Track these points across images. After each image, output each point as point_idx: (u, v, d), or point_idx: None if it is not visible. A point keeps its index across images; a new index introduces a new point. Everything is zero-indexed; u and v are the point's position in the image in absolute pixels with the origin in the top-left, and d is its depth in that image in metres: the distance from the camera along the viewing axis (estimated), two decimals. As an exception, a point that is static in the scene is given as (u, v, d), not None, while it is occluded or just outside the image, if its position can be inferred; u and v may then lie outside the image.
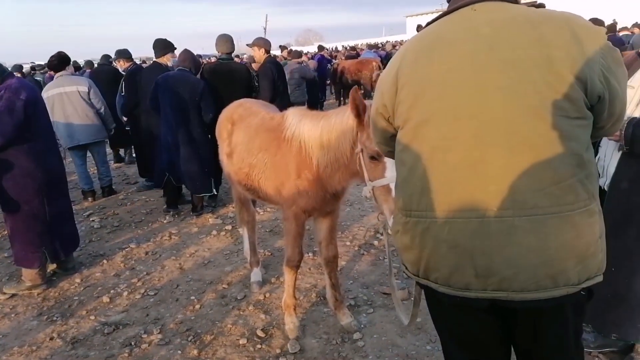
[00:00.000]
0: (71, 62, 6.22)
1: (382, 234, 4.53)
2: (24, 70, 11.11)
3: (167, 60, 5.57)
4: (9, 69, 5.03)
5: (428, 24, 1.51)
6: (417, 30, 1.87)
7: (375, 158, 2.10)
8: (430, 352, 2.81)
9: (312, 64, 10.45)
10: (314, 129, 2.51)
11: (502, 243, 1.29)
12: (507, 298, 1.33)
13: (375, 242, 4.39)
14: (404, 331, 3.02)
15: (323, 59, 11.87)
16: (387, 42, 20.32)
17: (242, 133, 3.11)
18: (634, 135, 2.12)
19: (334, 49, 23.19)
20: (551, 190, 1.26)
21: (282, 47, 11.79)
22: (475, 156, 1.30)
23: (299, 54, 8.86)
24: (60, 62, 5.62)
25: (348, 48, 20.03)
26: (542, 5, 1.40)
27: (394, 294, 2.27)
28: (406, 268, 1.57)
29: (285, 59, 9.19)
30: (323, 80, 11.40)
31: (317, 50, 12.84)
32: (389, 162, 2.04)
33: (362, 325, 3.10)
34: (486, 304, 1.38)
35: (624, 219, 2.32)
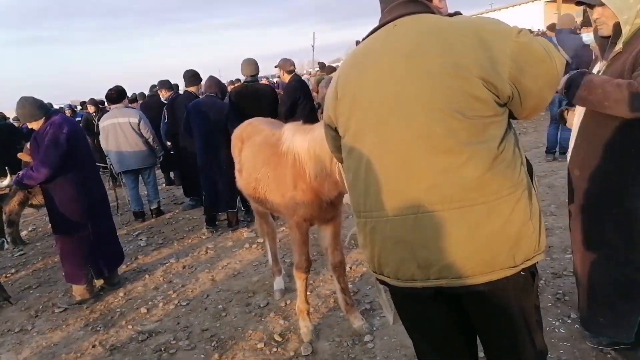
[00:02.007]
0: (126, 95, 6.86)
1: (350, 238, 4.55)
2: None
3: (196, 89, 6.04)
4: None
5: (363, 39, 1.64)
6: (356, 45, 1.99)
7: None
8: (438, 353, 2.83)
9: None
10: (303, 142, 2.67)
11: (437, 235, 1.39)
12: (447, 284, 1.42)
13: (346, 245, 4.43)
14: (414, 333, 3.05)
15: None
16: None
17: (249, 150, 3.34)
18: (567, 82, 2.13)
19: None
20: (474, 183, 1.34)
21: (320, 64, 12.09)
22: (405, 158, 1.41)
23: (332, 69, 9.07)
24: (118, 95, 6.30)
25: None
26: (458, 13, 1.49)
27: (380, 296, 2.36)
28: (369, 265, 1.68)
29: (321, 74, 9.43)
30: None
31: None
32: None
33: (374, 328, 3.17)
34: (431, 292, 1.48)
35: (580, 209, 2.33)
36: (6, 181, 3.80)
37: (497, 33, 1.34)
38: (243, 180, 3.38)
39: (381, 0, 1.58)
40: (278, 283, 3.89)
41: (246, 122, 3.68)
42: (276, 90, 6.00)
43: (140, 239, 5.82)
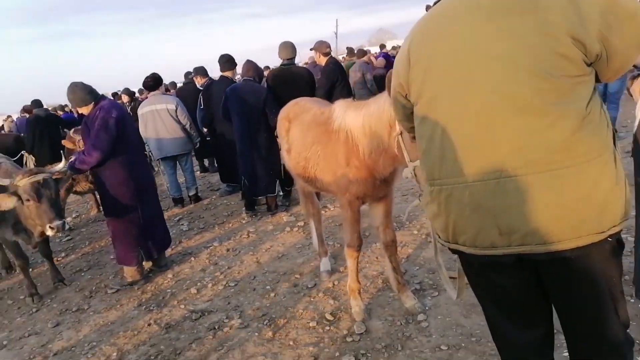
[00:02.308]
0: (163, 82, 6.95)
1: (409, 211, 4.49)
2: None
3: (231, 74, 6.06)
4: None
5: (435, 3, 1.59)
6: (426, 10, 1.93)
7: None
8: (495, 331, 2.79)
9: (381, 62, 10.44)
10: (357, 118, 2.64)
11: (520, 200, 1.34)
12: (531, 251, 1.38)
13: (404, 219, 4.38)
14: (469, 312, 3.02)
15: (388, 56, 11.81)
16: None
17: (298, 129, 3.33)
18: None
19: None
20: (561, 146, 1.30)
21: (349, 49, 11.96)
22: (486, 121, 1.36)
23: (363, 53, 8.97)
24: (154, 82, 6.40)
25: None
26: None
27: (441, 271, 2.32)
28: (439, 237, 1.65)
29: (349, 59, 9.33)
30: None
31: (379, 50, 12.75)
32: None
33: (426, 308, 3.15)
34: (513, 259, 1.44)
35: None
36: (61, 164, 3.91)
37: None
38: (292, 159, 3.38)
39: None
40: (324, 264, 3.90)
41: (292, 101, 3.67)
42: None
43: (182, 224, 5.92)
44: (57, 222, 3.56)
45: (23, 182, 3.54)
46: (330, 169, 2.97)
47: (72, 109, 13.85)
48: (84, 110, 4.02)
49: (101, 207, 7.11)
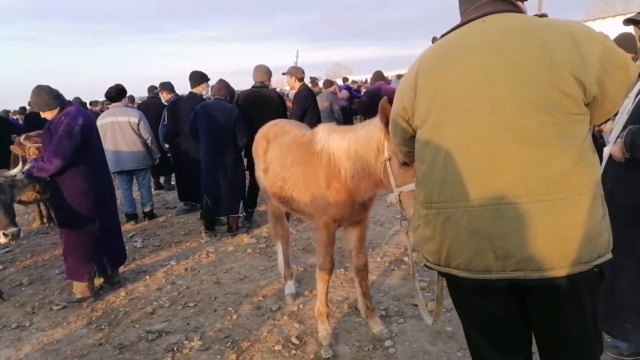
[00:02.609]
0: (126, 94, 6.73)
1: (413, 251, 4.61)
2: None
3: (201, 90, 6.01)
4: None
5: (442, 35, 1.69)
6: (432, 42, 2.06)
7: (407, 164, 2.21)
8: (460, 359, 2.86)
9: (344, 94, 10.73)
10: (342, 142, 2.70)
11: (519, 227, 1.41)
12: (525, 277, 1.43)
13: (405, 259, 4.46)
14: (435, 339, 3.08)
15: (350, 89, 12.17)
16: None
17: (276, 150, 3.34)
18: (632, 142, 2.25)
19: (363, 80, 23.54)
20: (559, 178, 1.39)
21: (312, 79, 12.20)
22: (490, 149, 1.44)
23: (330, 83, 9.19)
24: (117, 93, 6.19)
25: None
26: (545, 15, 1.56)
27: (417, 296, 2.37)
28: (427, 260, 1.69)
29: (319, 89, 9.52)
30: (352, 111, 11.56)
31: (342, 83, 13.16)
32: None
33: (393, 334, 3.18)
34: (506, 284, 1.48)
35: (611, 217, 2.42)
36: (16, 169, 3.66)
37: (587, 35, 1.42)
38: (269, 179, 3.37)
39: (463, 1, 1.64)
40: (289, 287, 3.86)
41: (271, 122, 3.69)
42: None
43: (136, 241, 5.66)
44: (13, 229, 3.31)
45: (-25, 185, 3.28)
46: (309, 191, 2.99)
47: (14, 116, 13.09)
48: (48, 115, 3.81)
49: (45, 219, 6.72)
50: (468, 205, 1.49)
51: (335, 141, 2.76)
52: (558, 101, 1.38)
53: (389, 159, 2.32)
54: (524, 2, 1.62)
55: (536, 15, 1.56)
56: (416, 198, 1.74)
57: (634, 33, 2.69)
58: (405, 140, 1.79)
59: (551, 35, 1.41)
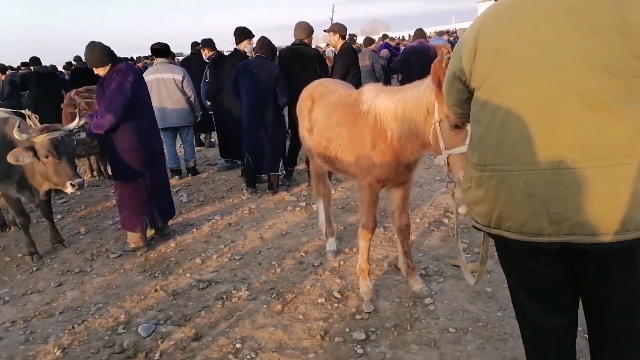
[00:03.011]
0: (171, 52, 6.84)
1: (452, 213, 4.62)
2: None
3: (244, 47, 6.00)
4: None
5: None
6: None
7: (458, 127, 2.20)
8: (500, 318, 2.92)
9: (384, 52, 10.48)
10: (389, 103, 2.69)
11: (576, 191, 1.41)
12: (579, 241, 1.44)
13: (445, 220, 4.50)
14: (475, 299, 3.14)
15: (389, 47, 11.85)
16: (459, 29, 19.72)
17: (322, 109, 3.36)
18: None
19: (400, 37, 22.78)
20: (622, 143, 1.36)
21: (350, 36, 11.91)
22: (551, 112, 1.42)
23: (370, 41, 9.00)
24: (163, 48, 6.31)
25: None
26: None
27: (460, 257, 2.41)
28: (476, 222, 1.71)
29: (357, 46, 9.33)
30: (390, 70, 11.31)
31: (381, 39, 12.80)
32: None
33: (433, 292, 3.26)
34: (558, 247, 1.50)
35: None
36: (74, 123, 3.87)
37: None
38: (313, 138, 3.42)
39: None
40: (330, 244, 3.98)
41: (316, 81, 3.70)
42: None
43: (181, 195, 5.91)
44: (78, 180, 3.55)
45: (41, 138, 3.49)
46: (354, 151, 3.02)
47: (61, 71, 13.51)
48: (100, 71, 3.95)
49: (95, 172, 7.08)
50: (525, 169, 1.49)
51: (382, 102, 2.75)
52: (629, 64, 1.33)
53: (439, 121, 2.30)
54: None
55: None
56: (468, 160, 1.74)
57: None
58: (461, 101, 1.78)
59: None
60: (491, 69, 1.54)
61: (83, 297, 3.56)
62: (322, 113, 3.35)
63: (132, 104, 3.92)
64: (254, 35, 6.10)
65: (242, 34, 6.02)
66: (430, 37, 17.26)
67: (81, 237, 4.80)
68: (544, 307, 1.73)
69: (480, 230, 1.73)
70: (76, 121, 3.87)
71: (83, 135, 3.96)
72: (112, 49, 3.98)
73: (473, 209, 1.70)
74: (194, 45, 7.96)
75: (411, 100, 2.51)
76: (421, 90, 2.43)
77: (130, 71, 3.93)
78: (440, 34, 17.53)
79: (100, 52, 3.89)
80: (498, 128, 1.54)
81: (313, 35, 6.02)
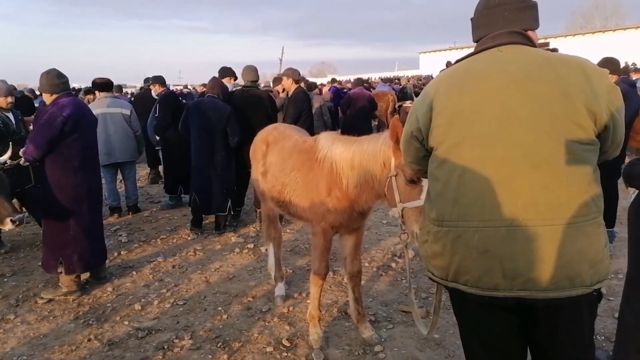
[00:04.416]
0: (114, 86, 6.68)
1: (399, 257, 4.72)
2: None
3: (227, 82, 6.07)
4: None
5: (457, 61, 1.77)
6: (447, 66, 2.12)
7: (414, 181, 2.29)
8: (448, 365, 2.96)
9: (328, 95, 10.86)
10: (346, 152, 2.76)
11: (527, 248, 1.50)
12: (530, 296, 1.52)
13: (393, 264, 4.57)
14: (423, 346, 3.17)
15: (337, 91, 12.28)
16: (403, 76, 20.86)
17: (277, 154, 3.38)
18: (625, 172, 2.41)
19: (345, 80, 23.71)
20: (568, 204, 1.49)
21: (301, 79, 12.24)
22: (505, 173, 1.53)
23: (314, 86, 9.43)
24: (107, 84, 6.13)
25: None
26: (556, 50, 1.67)
27: (413, 308, 2.45)
28: (432, 274, 1.77)
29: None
30: (337, 112, 11.73)
31: (330, 82, 13.31)
32: (426, 186, 2.25)
33: (382, 339, 3.26)
34: (511, 302, 1.57)
35: (629, 247, 2.50)
36: (6, 155, 3.61)
37: (596, 70, 1.54)
38: (267, 183, 3.41)
39: (478, 27, 1.73)
40: (280, 289, 3.90)
41: (271, 126, 3.72)
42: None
43: (121, 235, 5.61)
44: (18, 215, 3.30)
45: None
46: (309, 196, 3.04)
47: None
48: (47, 99, 3.79)
49: (24, 208, 6.56)
50: (480, 226, 1.57)
51: (339, 150, 2.82)
52: (571, 131, 1.48)
53: (395, 175, 2.39)
54: (534, 30, 1.71)
55: (548, 49, 1.66)
56: (426, 215, 1.81)
57: None
58: (418, 159, 1.87)
59: (564, 68, 1.51)
60: (447, 132, 1.64)
61: (4, 349, 3.21)
62: (277, 158, 3.36)
63: (60, 140, 3.71)
64: (237, 77, 6.34)
65: (226, 71, 6.16)
66: (376, 83, 18.11)
67: (5, 279, 4.38)
68: (495, 357, 1.78)
69: (436, 282, 1.78)
70: (8, 153, 3.62)
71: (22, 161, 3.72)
72: (67, 80, 3.82)
73: (430, 262, 1.75)
74: (146, 80, 7.86)
75: (368, 152, 2.59)
76: (379, 144, 2.52)
77: (68, 106, 3.72)
78: (385, 81, 18.45)
79: (50, 79, 3.73)
80: (455, 186, 1.62)
81: (262, 73, 6.29)
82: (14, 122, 4.81)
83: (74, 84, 16.25)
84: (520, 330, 1.73)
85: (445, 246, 1.65)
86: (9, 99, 4.75)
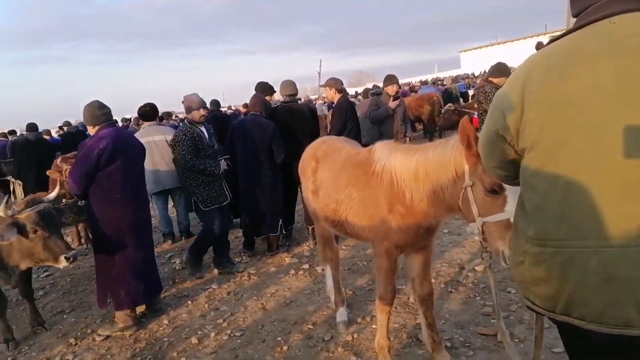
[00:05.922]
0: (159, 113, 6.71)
1: (469, 271, 4.29)
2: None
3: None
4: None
5: (551, 40, 1.43)
6: (537, 49, 1.77)
7: (495, 191, 1.96)
8: (546, 400, 2.54)
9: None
10: (408, 162, 2.44)
11: None
12: None
13: (462, 279, 4.15)
14: (512, 376, 2.76)
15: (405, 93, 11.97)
16: (447, 76, 20.20)
17: (327, 170, 3.11)
18: None
19: (404, 84, 23.16)
20: None
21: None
22: (628, 177, 1.18)
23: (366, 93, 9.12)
24: (152, 111, 6.13)
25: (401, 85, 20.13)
26: None
27: (505, 337, 2.08)
28: (532, 303, 1.43)
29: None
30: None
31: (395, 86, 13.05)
32: (510, 195, 1.91)
33: (462, 369, 2.88)
34: None
35: None
36: (53, 194, 3.58)
37: None
38: (320, 201, 3.14)
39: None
40: (341, 314, 3.60)
41: (319, 140, 3.48)
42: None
43: (174, 262, 5.52)
44: (72, 252, 3.28)
45: (27, 213, 3.19)
46: (368, 214, 2.74)
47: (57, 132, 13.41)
48: (91, 131, 3.77)
49: (83, 240, 6.69)
50: (599, 245, 1.23)
51: (399, 161, 2.50)
52: None
53: (471, 185, 2.05)
54: None
55: None
56: (520, 232, 1.47)
57: None
58: (504, 163, 1.54)
59: None
60: (545, 128, 1.31)
61: (63, 394, 3.11)
62: (328, 173, 3.09)
63: (97, 172, 3.60)
64: (275, 91, 6.09)
65: (266, 89, 5.93)
66: (415, 86, 17.62)
67: (65, 316, 4.36)
68: None
69: (539, 313, 1.44)
70: (56, 190, 3.59)
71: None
72: (109, 110, 3.77)
73: (529, 288, 1.43)
74: (213, 102, 7.92)
75: (435, 160, 2.26)
76: (447, 150, 2.18)
77: (106, 138, 3.62)
78: (424, 83, 17.90)
79: (91, 110, 3.70)
80: (560, 196, 1.29)
81: (302, 88, 6.04)
82: (207, 135, 4.80)
83: (126, 115, 16.93)
84: None
85: (552, 271, 1.32)
86: (202, 112, 4.73)
